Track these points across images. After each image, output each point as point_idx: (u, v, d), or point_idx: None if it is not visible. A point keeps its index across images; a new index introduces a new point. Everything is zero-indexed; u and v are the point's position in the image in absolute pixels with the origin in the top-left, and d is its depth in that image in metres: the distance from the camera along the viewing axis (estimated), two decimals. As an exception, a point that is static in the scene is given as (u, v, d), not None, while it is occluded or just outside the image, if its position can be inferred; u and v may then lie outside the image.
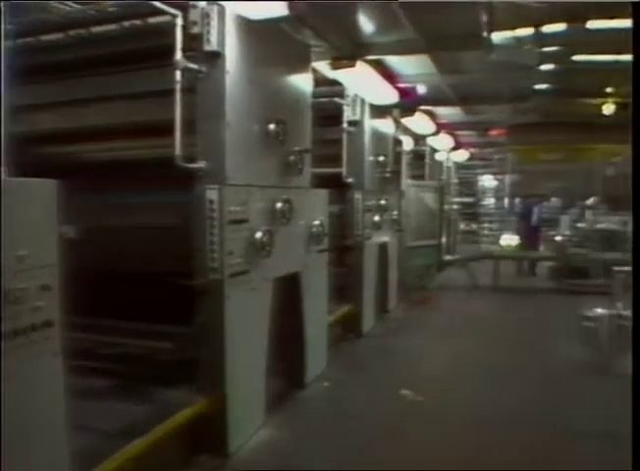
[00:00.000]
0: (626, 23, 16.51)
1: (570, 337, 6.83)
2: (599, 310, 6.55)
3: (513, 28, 12.03)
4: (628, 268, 7.54)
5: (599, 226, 10.65)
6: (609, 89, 24.71)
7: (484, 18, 5.64)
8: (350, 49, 5.62)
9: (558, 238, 12.56)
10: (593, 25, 16.79)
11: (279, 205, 4.29)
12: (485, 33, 5.72)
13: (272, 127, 4.21)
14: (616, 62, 21.01)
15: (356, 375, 5.74)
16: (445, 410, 4.87)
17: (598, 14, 15.74)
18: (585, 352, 6.38)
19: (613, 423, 4.62)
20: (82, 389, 3.39)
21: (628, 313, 6.31)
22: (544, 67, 20.47)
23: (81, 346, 3.81)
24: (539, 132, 26.25)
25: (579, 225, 12.06)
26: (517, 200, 15.93)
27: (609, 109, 25.17)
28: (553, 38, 16.95)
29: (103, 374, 4.12)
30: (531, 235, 13.29)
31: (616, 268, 7.92)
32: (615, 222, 10.82)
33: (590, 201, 15.64)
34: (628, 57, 19.60)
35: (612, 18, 16.77)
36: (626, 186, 9.80)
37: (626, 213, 9.63)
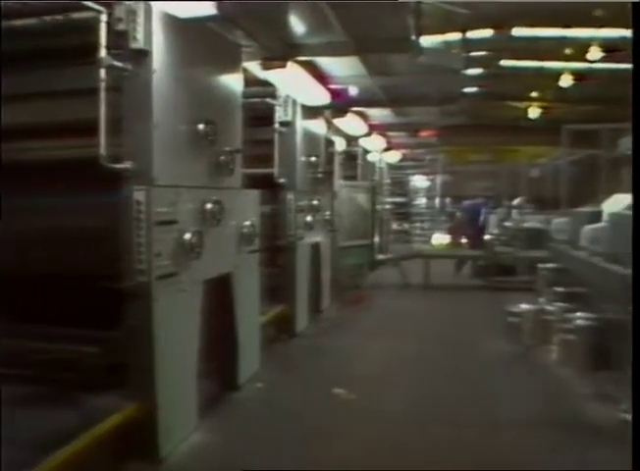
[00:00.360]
0: (549, 31, 17.17)
1: (496, 332, 7.04)
2: (523, 306, 6.79)
3: (442, 33, 12.34)
4: (551, 265, 7.89)
5: (525, 225, 11.03)
6: (534, 94, 25.66)
7: (412, 21, 5.75)
8: (281, 50, 5.63)
9: (486, 237, 12.94)
10: (518, 32, 17.42)
11: (209, 206, 4.25)
12: (413, 37, 5.83)
13: (201, 127, 4.17)
14: (541, 68, 21.83)
15: (290, 375, 5.75)
16: (377, 407, 4.94)
17: (522, 22, 16.31)
18: (510, 346, 6.61)
19: (536, 412, 4.84)
20: (5, 397, 3.27)
21: (551, 308, 6.59)
22: (472, 71, 21.06)
23: (4, 353, 3.67)
24: (468, 134, 26.96)
25: (506, 224, 12.45)
26: (466, 202, 16.24)
27: (534, 112, 26.16)
28: (480, 44, 17.45)
29: (28, 381, 3.97)
30: (478, 234, 13.42)
31: (540, 265, 8.26)
32: (540, 221, 11.24)
33: (517, 201, 16.14)
34: (552, 64, 20.47)
35: (534, 26, 17.41)
36: (550, 187, 10.20)
37: (550, 212, 10.04)
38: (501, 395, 5.27)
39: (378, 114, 10.34)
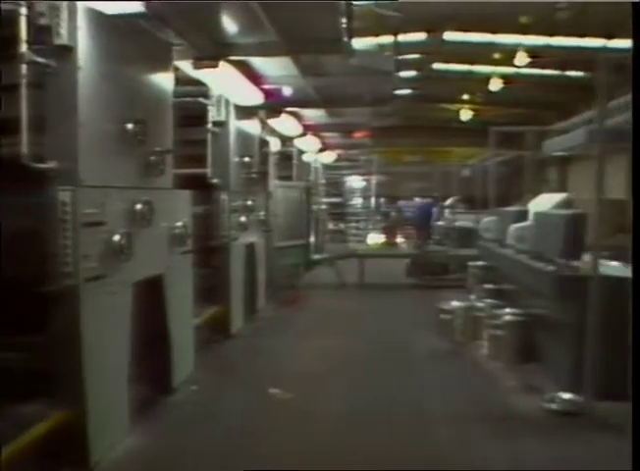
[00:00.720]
0: (478, 36, 17.62)
1: (429, 329, 7.20)
2: (454, 303, 6.97)
3: (374, 35, 12.53)
4: (481, 263, 8.14)
5: (456, 224, 11.31)
6: (465, 96, 26.42)
7: (344, 23, 5.80)
8: (212, 49, 5.58)
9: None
10: (449, 36, 17.88)
11: (139, 207, 4.17)
12: (345, 38, 5.89)
13: (130, 126, 4.09)
14: (471, 72, 22.45)
15: (225, 376, 5.72)
16: (312, 406, 4.96)
17: (453, 26, 16.74)
18: (442, 342, 6.77)
19: (466, 406, 4.98)
20: None
21: (481, 304, 6.79)
22: (405, 73, 21.42)
23: None
24: (402, 135, 27.52)
25: (439, 223, 12.73)
26: (418, 200, 16.42)
27: (466, 115, 26.93)
28: (412, 47, 17.80)
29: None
30: (430, 233, 13.44)
31: (471, 263, 8.50)
32: (471, 220, 11.56)
33: (449, 201, 16.57)
34: (482, 68, 20.87)
35: (465, 31, 17.90)
36: (480, 187, 10.48)
37: (481, 211, 10.33)
38: (433, 391, 5.39)
39: (312, 114, 10.39)
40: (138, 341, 4.30)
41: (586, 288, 4.52)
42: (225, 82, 6.30)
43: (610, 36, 16.00)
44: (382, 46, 11.44)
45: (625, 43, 15.87)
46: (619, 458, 3.99)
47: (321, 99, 8.93)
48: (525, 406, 4.91)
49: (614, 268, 5.84)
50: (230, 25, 5.39)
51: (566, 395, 4.79)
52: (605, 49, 15.96)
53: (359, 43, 8.16)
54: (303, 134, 11.34)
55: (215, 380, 5.57)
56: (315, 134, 11.98)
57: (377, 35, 12.62)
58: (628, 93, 7.32)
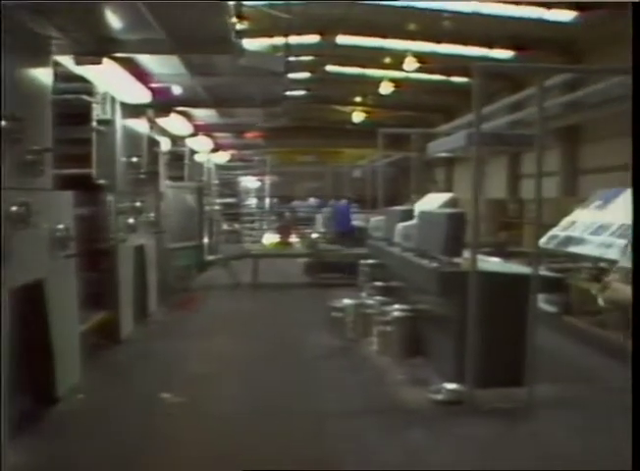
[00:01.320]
0: (369, 41, 18.09)
1: (322, 327, 7.31)
2: (345, 301, 7.12)
3: (266, 36, 12.57)
4: (371, 261, 8.36)
5: (348, 223, 11.55)
6: (357, 99, 27.01)
7: (232, 23, 5.79)
8: (95, 45, 5.39)
9: (314, 236, 13.38)
10: (341, 40, 18.25)
11: (14, 209, 3.96)
12: (234, 38, 5.88)
13: (4, 123, 3.87)
14: (363, 75, 22.99)
15: (114, 383, 5.53)
16: (205, 408, 4.91)
17: (345, 30, 17.10)
18: (334, 340, 6.90)
19: (356, 401, 5.12)
20: None
21: (371, 301, 6.98)
22: (299, 74, 21.61)
23: None
24: (295, 136, 27.82)
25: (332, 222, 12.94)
26: (334, 201, 16.26)
27: (358, 117, 27.55)
28: (305, 48, 18.00)
29: None
30: (350, 233, 13.04)
31: (361, 262, 8.72)
32: (362, 219, 11.84)
33: (342, 201, 16.87)
34: (373, 71, 21.53)
35: (357, 35, 18.33)
36: (371, 187, 10.75)
37: (372, 211, 10.62)
38: (324, 387, 5.49)
39: (203, 114, 10.27)
40: (18, 351, 4.08)
41: (466, 284, 4.75)
42: (109, 79, 6.10)
43: (490, 46, 16.99)
44: (275, 47, 11.50)
45: (504, 53, 16.92)
46: (499, 439, 4.30)
47: (211, 99, 8.85)
48: (412, 398, 5.10)
49: (494, 264, 6.19)
50: (114, 20, 5.23)
51: (451, 386, 5.03)
52: (486, 58, 16.93)
53: (251, 44, 8.17)
54: (195, 134, 11.18)
55: (103, 387, 5.38)
56: (207, 134, 11.84)
57: (270, 37, 12.68)
58: (506, 98, 7.85)
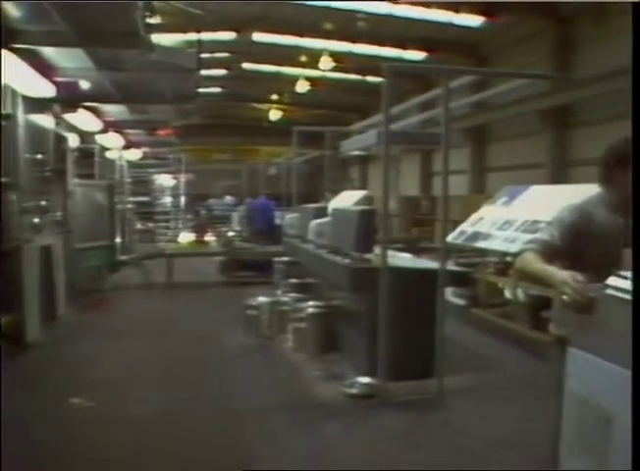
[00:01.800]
0: (286, 39, 18.09)
1: (237, 325, 7.26)
2: (261, 298, 7.11)
3: (182, 32, 12.34)
4: (286, 258, 8.39)
5: (263, 221, 11.53)
6: (274, 97, 26.99)
7: (142, 18, 5.66)
8: (-8, 35, 5.13)
9: (230, 234, 13.27)
10: (258, 37, 18.17)
11: None
12: (143, 33, 5.74)
13: None
14: (279, 73, 22.98)
15: (19, 390, 5.28)
16: (116, 411, 4.78)
17: (261, 28, 17.04)
18: (250, 338, 6.88)
19: (272, 398, 5.13)
20: None
21: (286, 299, 7.01)
22: (215, 71, 21.34)
23: None
24: (211, 134, 27.50)
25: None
26: (251, 199, 15.67)
27: (275, 115, 27.55)
28: (222, 45, 17.80)
29: None
30: (271, 231, 12.58)
31: (276, 259, 8.73)
32: (278, 216, 11.83)
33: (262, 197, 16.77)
34: (289, 70, 21.55)
35: (274, 33, 18.30)
36: (287, 185, 10.77)
37: (286, 209, 10.64)
38: (239, 386, 5.47)
39: (113, 110, 9.97)
40: None
41: (377, 279, 4.84)
42: (9, 72, 5.82)
43: (404, 47, 17.40)
44: (188, 43, 11.30)
45: (417, 55, 17.37)
46: (410, 429, 4.42)
47: (121, 94, 8.60)
48: (327, 393, 5.16)
49: (404, 259, 6.35)
50: (13, 10, 5.00)
51: (364, 380, 5.12)
52: (399, 59, 17.33)
53: (163, 39, 7.99)
54: (105, 131, 10.84)
55: (7, 394, 5.13)
56: (117, 131, 11.50)
57: (183, 32, 12.46)
58: (417, 97, 8.07)
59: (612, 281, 1.69)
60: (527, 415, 4.47)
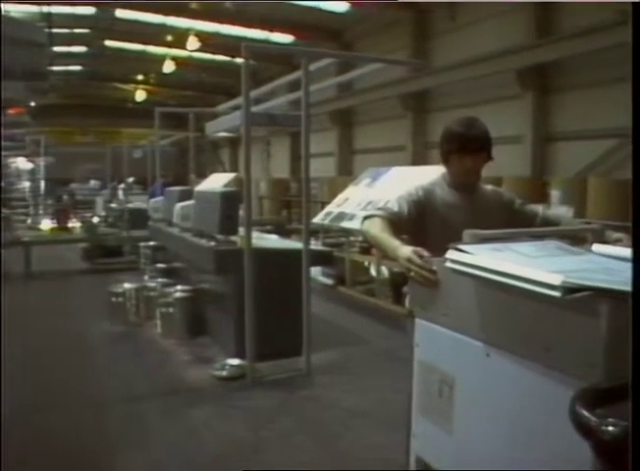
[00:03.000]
0: (151, 17, 17.43)
1: (102, 313, 6.99)
2: (126, 285, 6.91)
3: (34, 3, 11.52)
4: (152, 243, 8.19)
5: (128, 205, 11.16)
6: (140, 77, 26.01)
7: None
8: None
9: (95, 220, 12.70)
10: (121, 14, 17.36)
11: None
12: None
13: None
14: (144, 52, 22.16)
15: None
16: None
17: (124, 4, 16.29)
18: (116, 326, 6.67)
19: (141, 385, 5.02)
20: None
21: (153, 284, 6.86)
22: (75, 48, 20.13)
23: None
24: (72, 115, 26.08)
25: (112, 205, 12.42)
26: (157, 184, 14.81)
27: (141, 95, 26.59)
28: (82, 20, 16.82)
29: None
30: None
31: (142, 244, 8.50)
32: (144, 201, 11.49)
33: (127, 182, 16.18)
34: (155, 49, 20.75)
35: (138, 10, 17.56)
36: (155, 168, 10.45)
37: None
38: (106, 375, 5.31)
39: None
40: None
41: (243, 261, 4.86)
42: None
43: (271, 29, 17.34)
44: (42, 16, 10.56)
45: (284, 38, 17.39)
46: (279, 406, 4.52)
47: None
48: (197, 377, 5.15)
49: (270, 240, 6.42)
50: None
51: (234, 362, 5.15)
52: (267, 41, 17.26)
53: (11, 9, 7.41)
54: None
55: None
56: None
57: (37, 4, 11.60)
58: (280, 79, 8.09)
59: (450, 254, 1.80)
60: (389, 385, 4.71)
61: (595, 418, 0.93)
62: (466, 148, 2.65)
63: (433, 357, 2.03)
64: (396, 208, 2.63)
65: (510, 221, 2.72)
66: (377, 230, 2.49)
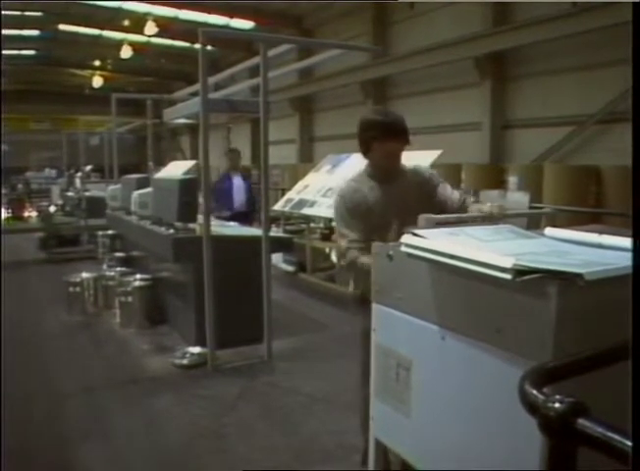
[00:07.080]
0: (108, 2, 17.00)
1: (59, 303, 6.87)
2: (83, 274, 6.79)
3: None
4: (110, 232, 8.06)
5: (86, 194, 10.95)
6: (96, 62, 25.43)
7: None
8: None
9: (52, 209, 12.43)
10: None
11: None
12: None
13: None
14: (100, 37, 21.65)
15: None
16: None
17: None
18: (73, 316, 6.57)
19: (100, 375, 4.96)
20: None
21: (112, 273, 6.76)
22: (27, 32, 19.53)
23: None
24: (25, 101, 25.37)
25: (69, 194, 12.17)
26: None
27: (98, 82, 26.01)
28: (34, 3, 16.32)
29: None
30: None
31: (100, 233, 8.37)
32: (102, 189, 11.28)
33: (85, 170, 15.85)
34: (112, 34, 20.32)
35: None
36: (112, 155, 10.28)
37: (110, 180, 10.17)
38: (64, 366, 5.23)
39: None
40: None
41: (201, 248, 4.82)
42: None
43: (231, 15, 17.13)
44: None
45: (245, 23, 17.19)
46: (240, 393, 4.52)
47: None
48: (157, 366, 5.11)
49: (229, 228, 6.37)
50: None
51: (194, 350, 5.13)
52: (227, 27, 17.05)
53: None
54: None
55: None
56: None
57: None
58: (239, 65, 8.02)
59: (405, 238, 1.81)
60: (349, 369, 4.73)
61: (541, 396, 0.95)
62: (388, 132, 2.77)
63: (390, 341, 2.05)
64: (352, 234, 2.75)
65: (432, 198, 2.90)
66: (357, 257, 2.69)
